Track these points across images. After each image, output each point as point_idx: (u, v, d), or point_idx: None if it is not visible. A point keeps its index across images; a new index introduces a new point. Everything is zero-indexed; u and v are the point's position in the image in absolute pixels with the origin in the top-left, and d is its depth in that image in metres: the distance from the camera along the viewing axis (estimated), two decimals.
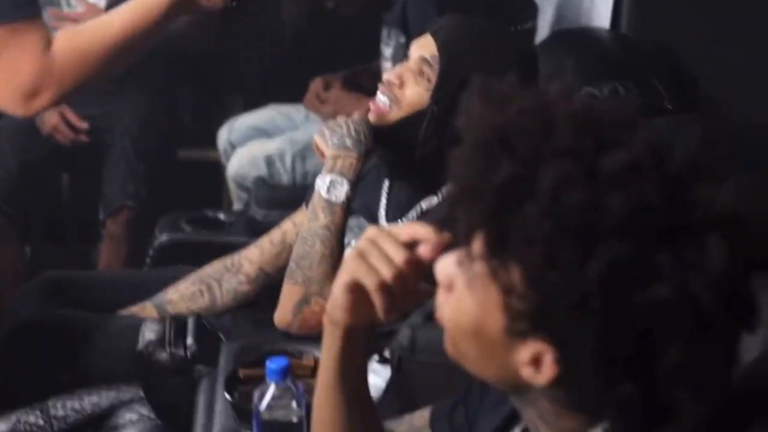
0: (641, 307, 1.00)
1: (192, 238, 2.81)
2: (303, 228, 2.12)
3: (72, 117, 3.32)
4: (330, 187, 2.09)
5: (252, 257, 2.37)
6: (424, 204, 2.19)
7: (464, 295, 1.13)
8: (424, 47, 2.13)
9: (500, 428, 1.35)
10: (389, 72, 2.16)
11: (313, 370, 1.94)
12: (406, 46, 3.05)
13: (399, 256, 1.28)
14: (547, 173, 1.01)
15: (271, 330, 2.17)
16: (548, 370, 1.07)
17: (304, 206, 2.34)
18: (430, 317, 1.75)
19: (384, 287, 1.28)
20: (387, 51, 3.14)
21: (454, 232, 1.13)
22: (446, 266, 1.17)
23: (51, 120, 3.29)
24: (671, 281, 0.99)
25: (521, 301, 1.05)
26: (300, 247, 2.10)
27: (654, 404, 1.06)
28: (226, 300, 2.36)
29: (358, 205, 2.22)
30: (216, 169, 3.54)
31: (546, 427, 1.18)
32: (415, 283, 1.29)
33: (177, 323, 2.08)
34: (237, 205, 3.21)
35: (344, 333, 1.35)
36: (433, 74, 2.10)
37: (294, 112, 3.36)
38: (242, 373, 1.91)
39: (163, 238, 2.84)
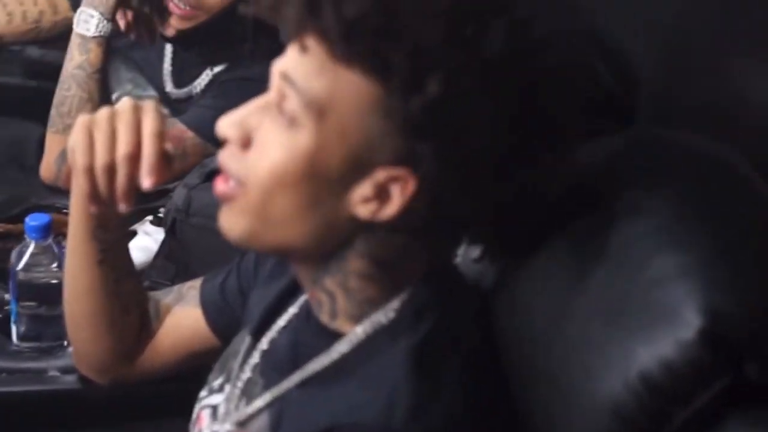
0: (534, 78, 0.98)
1: None
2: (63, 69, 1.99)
3: None
4: (81, 20, 1.96)
5: None
6: (216, 68, 2.09)
7: (282, 138, 1.01)
8: None
9: (275, 305, 1.25)
10: None
11: None
12: None
13: (124, 146, 1.13)
14: None
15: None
16: (401, 195, 0.99)
17: None
18: (209, 177, 1.64)
19: (90, 172, 1.14)
20: None
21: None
22: (240, 119, 1.04)
23: None
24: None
25: (403, 95, 0.95)
26: (58, 91, 1.98)
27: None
28: None
29: (138, 62, 2.12)
30: None
31: (344, 296, 1.09)
32: (129, 182, 1.14)
33: None
34: None
35: None
36: None
37: None
38: (0, 227, 1.76)
39: None
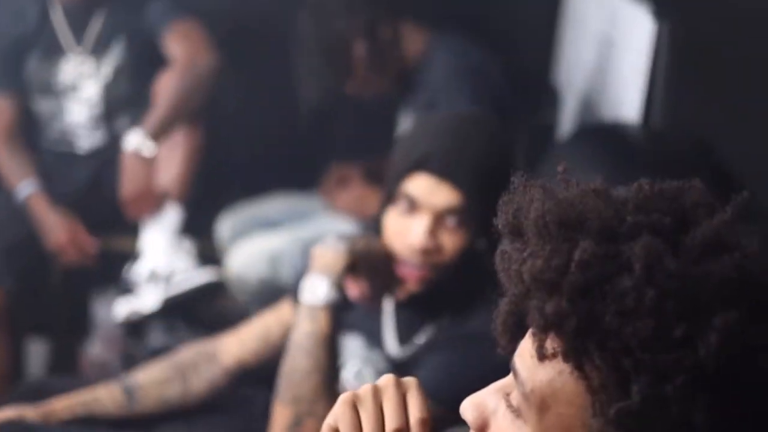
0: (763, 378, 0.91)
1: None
2: (291, 338, 1.94)
3: (84, 236, 3.04)
4: (309, 288, 1.91)
5: (231, 350, 2.20)
6: (438, 322, 2.01)
7: (509, 429, 1.01)
8: (442, 196, 1.90)
9: None
10: (422, 239, 1.90)
11: None
12: None
13: (394, 423, 1.09)
14: (634, 246, 0.93)
15: None
16: None
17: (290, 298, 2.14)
18: None
19: None
20: None
21: (514, 337, 1.02)
22: (479, 402, 1.04)
23: (59, 237, 2.99)
24: None
25: (616, 395, 0.91)
26: (286, 361, 1.93)
27: None
28: (201, 390, 2.20)
29: (358, 324, 2.04)
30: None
31: None
32: None
33: None
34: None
35: None
36: (464, 216, 1.90)
37: (303, 201, 3.14)
38: None
39: (156, 342, 2.61)
